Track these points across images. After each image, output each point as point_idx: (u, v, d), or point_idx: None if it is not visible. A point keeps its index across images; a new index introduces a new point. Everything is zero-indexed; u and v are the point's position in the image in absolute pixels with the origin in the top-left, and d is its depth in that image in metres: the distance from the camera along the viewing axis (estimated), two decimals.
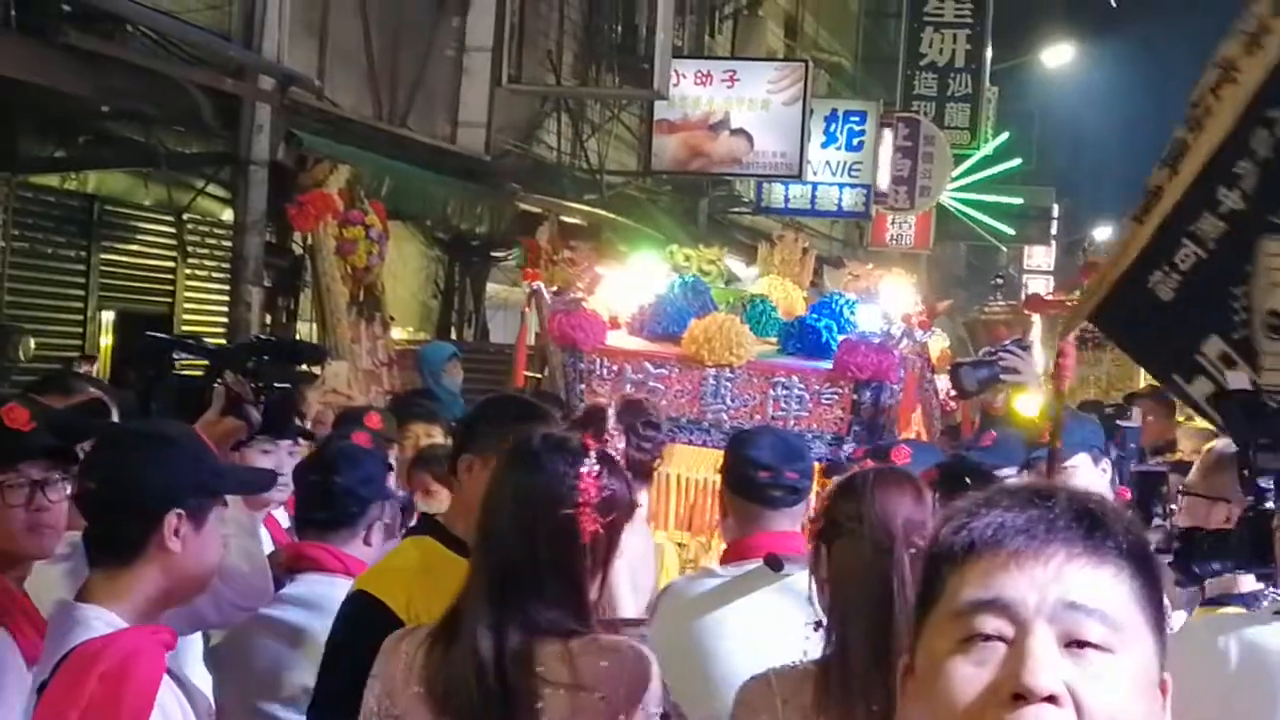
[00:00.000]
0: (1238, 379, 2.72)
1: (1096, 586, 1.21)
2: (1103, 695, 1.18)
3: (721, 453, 3.66)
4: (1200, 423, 5.58)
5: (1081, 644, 1.19)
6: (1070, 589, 1.20)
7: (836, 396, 5.14)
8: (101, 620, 2.32)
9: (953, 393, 5.53)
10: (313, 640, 3.36)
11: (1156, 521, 2.78)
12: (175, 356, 3.59)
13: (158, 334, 3.71)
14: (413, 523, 4.11)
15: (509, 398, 3.62)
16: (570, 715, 2.39)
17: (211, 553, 2.49)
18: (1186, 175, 2.80)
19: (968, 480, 3.34)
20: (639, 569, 4.01)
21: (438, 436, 5.69)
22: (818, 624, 2.58)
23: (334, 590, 3.40)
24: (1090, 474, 4.24)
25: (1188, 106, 2.85)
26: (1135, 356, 3.18)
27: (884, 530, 2.55)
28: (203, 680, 3.43)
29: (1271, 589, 2.76)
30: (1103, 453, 4.35)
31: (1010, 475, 4.32)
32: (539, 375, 8.68)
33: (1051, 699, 1.17)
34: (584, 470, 2.46)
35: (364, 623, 2.77)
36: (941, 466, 4.13)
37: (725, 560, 3.49)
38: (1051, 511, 1.23)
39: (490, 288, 14.45)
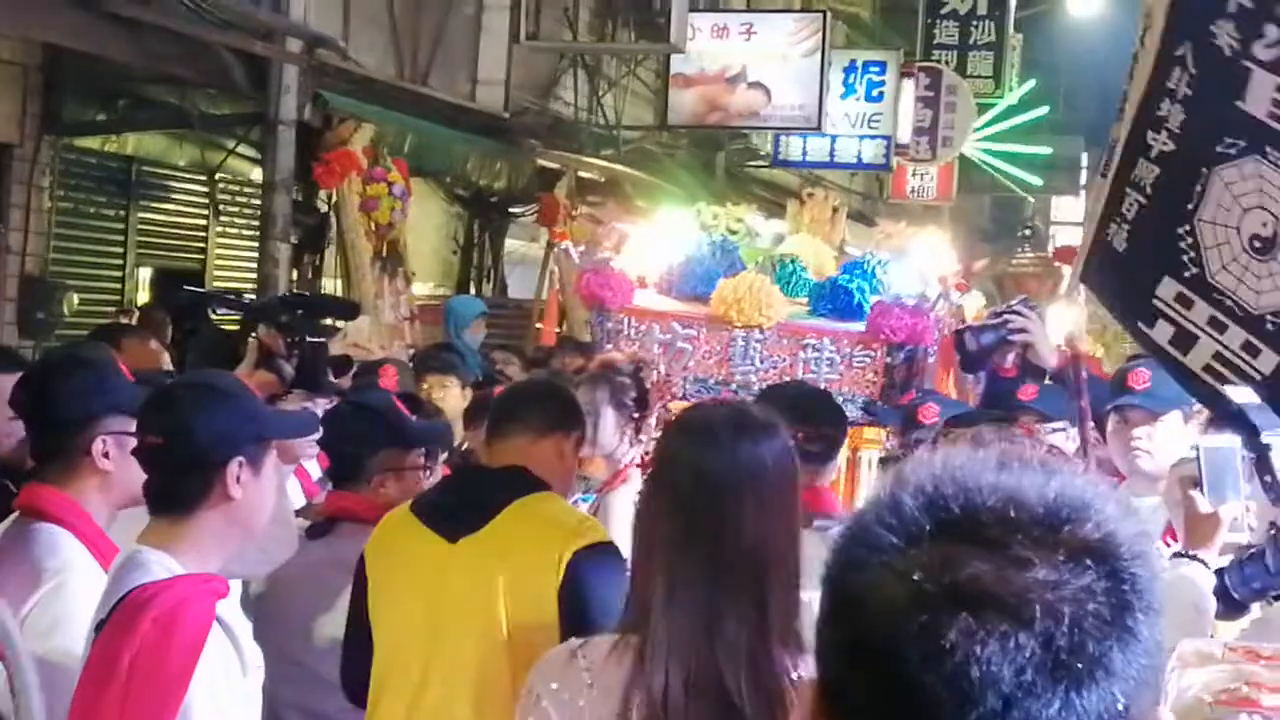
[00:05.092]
0: (1240, 394, 2.56)
1: None
2: None
3: None
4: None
5: None
6: None
7: (869, 359, 5.01)
8: (161, 564, 2.39)
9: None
10: (346, 590, 3.48)
11: None
12: (212, 310, 3.70)
13: (195, 288, 3.79)
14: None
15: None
16: None
17: (268, 498, 2.57)
18: (1126, 124, 2.73)
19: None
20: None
21: (453, 389, 6.09)
22: None
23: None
24: (1177, 433, 3.72)
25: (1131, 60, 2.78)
26: (1110, 310, 3.05)
27: (674, 475, 2.24)
28: (243, 627, 3.56)
29: None
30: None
31: (1059, 429, 4.22)
32: (558, 330, 8.81)
33: None
34: None
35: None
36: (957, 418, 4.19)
37: None
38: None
39: (509, 243, 14.50)
